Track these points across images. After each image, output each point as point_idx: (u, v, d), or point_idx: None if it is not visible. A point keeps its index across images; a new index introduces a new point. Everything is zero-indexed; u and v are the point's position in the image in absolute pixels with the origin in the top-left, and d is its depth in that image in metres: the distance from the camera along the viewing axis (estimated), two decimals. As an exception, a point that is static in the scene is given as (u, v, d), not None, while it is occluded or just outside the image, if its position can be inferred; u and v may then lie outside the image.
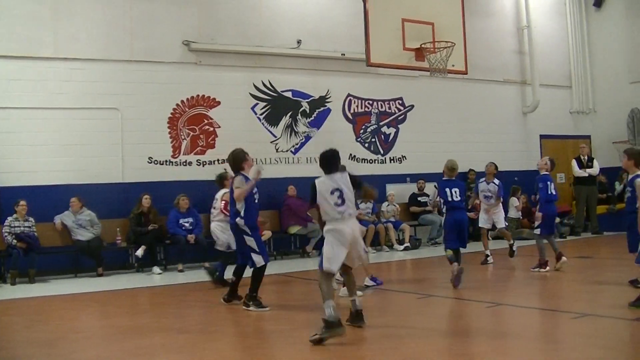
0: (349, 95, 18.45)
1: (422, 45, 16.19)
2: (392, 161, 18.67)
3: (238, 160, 9.39)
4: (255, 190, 9.24)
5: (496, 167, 14.35)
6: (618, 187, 19.49)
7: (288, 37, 17.48)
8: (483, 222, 13.87)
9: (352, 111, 18.54)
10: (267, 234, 15.67)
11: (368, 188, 11.31)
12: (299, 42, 17.54)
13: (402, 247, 17.40)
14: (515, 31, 21.91)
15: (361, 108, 18.69)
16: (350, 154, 18.07)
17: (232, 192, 9.23)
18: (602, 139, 22.08)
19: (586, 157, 19.52)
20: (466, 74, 17.52)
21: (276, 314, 9.15)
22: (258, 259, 9.19)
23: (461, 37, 16.98)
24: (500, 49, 21.39)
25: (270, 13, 17.44)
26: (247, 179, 9.19)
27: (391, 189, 18.36)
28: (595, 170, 19.32)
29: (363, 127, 18.66)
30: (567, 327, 7.60)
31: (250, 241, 9.17)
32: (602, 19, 22.90)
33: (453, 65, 16.79)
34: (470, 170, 19.17)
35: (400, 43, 16.10)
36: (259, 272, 9.29)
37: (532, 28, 21.75)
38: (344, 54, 17.85)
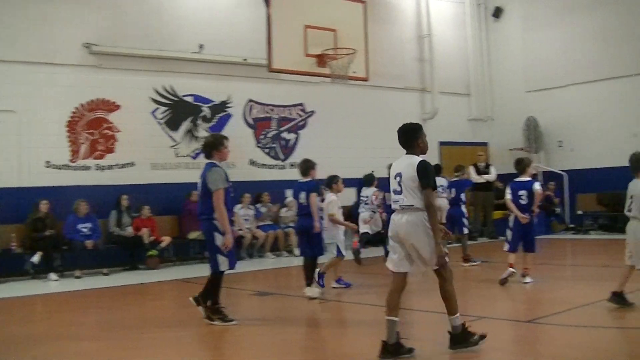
0: (250, 100, 19.00)
1: (324, 52, 16.82)
2: (292, 167, 19.13)
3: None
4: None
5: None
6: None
7: (190, 42, 17.85)
8: (366, 229, 14.84)
9: (252, 116, 19.05)
10: (165, 239, 16.08)
11: None
12: (201, 46, 17.89)
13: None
14: (416, 39, 23.01)
15: (262, 113, 19.27)
16: (251, 160, 18.62)
17: (204, 185, 8.76)
18: (499, 146, 23.40)
19: (483, 164, 20.50)
20: (367, 80, 18.31)
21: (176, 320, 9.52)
22: (223, 262, 8.73)
23: (363, 45, 17.74)
24: (402, 56, 22.43)
25: (172, 17, 17.80)
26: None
27: (290, 194, 18.83)
28: (492, 176, 20.32)
29: (263, 132, 19.18)
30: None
31: (220, 240, 8.67)
32: (500, 30, 24.33)
33: (354, 72, 17.56)
34: (370, 176, 19.85)
35: (302, 49, 16.76)
36: (219, 279, 8.89)
37: (433, 36, 22.94)
38: (246, 60, 18.33)
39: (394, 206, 6.94)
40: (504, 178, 20.43)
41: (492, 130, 24.19)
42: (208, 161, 8.99)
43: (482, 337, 6.87)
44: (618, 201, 19.92)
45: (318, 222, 10.71)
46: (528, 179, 11.38)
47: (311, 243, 10.88)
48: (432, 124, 22.30)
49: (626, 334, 7.89)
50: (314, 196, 10.84)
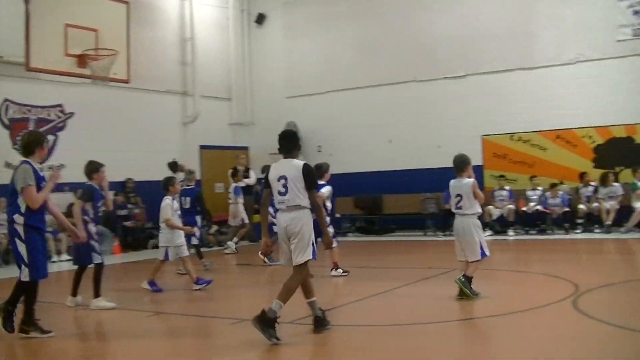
0: (6, 100, 18.33)
1: (85, 52, 16.65)
2: (50, 169, 18.62)
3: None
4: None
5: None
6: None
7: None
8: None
9: (9, 117, 18.40)
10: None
11: None
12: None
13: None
14: (179, 42, 23.33)
15: (19, 114, 18.65)
16: (6, 162, 17.88)
17: (13, 182, 8.17)
18: (259, 150, 24.00)
19: (244, 168, 20.97)
20: (128, 82, 18.27)
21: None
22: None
23: (125, 46, 17.72)
24: (164, 59, 22.65)
25: None
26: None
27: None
28: (252, 180, 20.81)
29: (20, 133, 18.51)
30: (229, 332, 8.64)
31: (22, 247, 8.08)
32: (263, 36, 25.25)
33: (115, 74, 17.55)
34: (128, 179, 20.10)
35: (62, 48, 16.54)
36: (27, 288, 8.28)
37: (196, 40, 23.41)
38: (2, 57, 17.64)
39: (279, 206, 7.70)
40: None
41: (253, 134, 24.95)
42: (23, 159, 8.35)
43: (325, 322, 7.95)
44: (374, 204, 21.41)
45: (82, 231, 9.83)
46: (324, 182, 12.40)
47: (79, 251, 10.40)
48: (193, 128, 22.72)
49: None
50: (77, 203, 10.31)
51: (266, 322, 7.38)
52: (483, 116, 20.69)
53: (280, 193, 7.63)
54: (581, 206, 18.71)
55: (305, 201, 7.61)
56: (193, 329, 9.20)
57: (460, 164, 9.73)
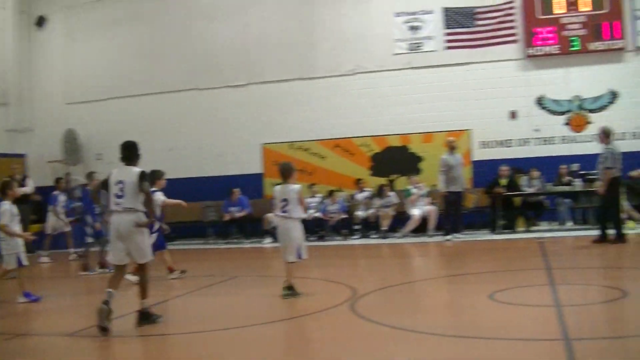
0: None
1: None
2: None
3: None
4: None
5: None
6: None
7: None
8: None
9: None
10: None
11: None
12: None
13: None
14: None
15: None
16: None
17: None
18: (38, 157, 23.13)
19: (20, 176, 20.00)
20: None
21: None
22: None
23: None
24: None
25: None
26: None
27: None
28: (28, 189, 19.90)
29: None
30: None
31: None
32: (43, 40, 24.35)
33: None
34: None
35: None
36: None
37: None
38: None
39: (116, 208, 8.44)
40: (44, 191, 20.20)
41: (31, 141, 23.88)
42: None
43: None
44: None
45: None
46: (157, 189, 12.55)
47: None
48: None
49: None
50: None
51: (145, 317, 8.56)
52: (264, 125, 21.01)
53: (117, 196, 8.45)
54: (358, 213, 19.29)
55: (139, 205, 8.45)
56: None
57: (287, 171, 10.47)
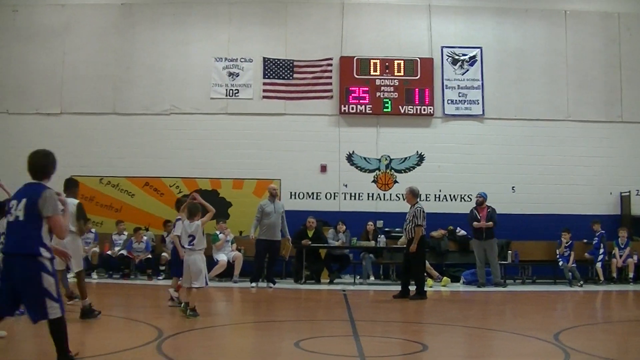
0: None
1: None
2: None
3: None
4: None
5: None
6: None
7: None
8: None
9: None
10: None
11: None
12: None
13: None
14: None
15: None
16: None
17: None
18: None
19: None
20: None
21: None
22: (55, 308, 7.11)
23: None
24: None
25: None
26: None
27: None
28: None
29: None
30: None
31: (50, 282, 7.10)
32: None
33: None
34: None
35: None
36: (60, 325, 7.19)
37: None
38: None
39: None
40: None
41: None
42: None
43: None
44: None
45: None
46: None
47: None
48: None
49: None
50: None
51: (86, 313, 10.69)
52: (74, 157, 20.35)
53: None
54: (164, 254, 19.11)
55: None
56: None
57: (193, 210, 12.07)
